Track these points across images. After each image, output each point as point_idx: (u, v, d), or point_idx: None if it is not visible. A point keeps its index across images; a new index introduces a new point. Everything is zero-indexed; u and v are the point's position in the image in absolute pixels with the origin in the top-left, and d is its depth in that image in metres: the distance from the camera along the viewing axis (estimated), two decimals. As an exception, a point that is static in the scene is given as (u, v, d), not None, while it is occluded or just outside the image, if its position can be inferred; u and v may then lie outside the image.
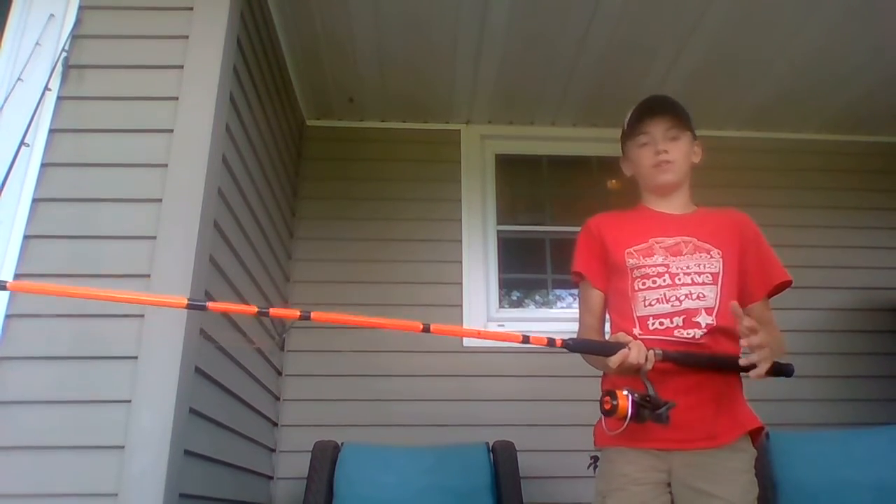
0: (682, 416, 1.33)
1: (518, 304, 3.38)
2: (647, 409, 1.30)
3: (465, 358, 2.94)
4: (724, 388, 1.49)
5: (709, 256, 1.56)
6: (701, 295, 1.51)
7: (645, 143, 1.66)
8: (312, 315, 1.23)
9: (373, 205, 3.27)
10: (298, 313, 1.23)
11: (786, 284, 1.59)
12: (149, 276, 1.72)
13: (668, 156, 1.62)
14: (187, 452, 1.71)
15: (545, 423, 2.83)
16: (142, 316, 1.68)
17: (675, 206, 1.67)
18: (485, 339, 1.29)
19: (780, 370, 1.47)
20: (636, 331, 1.53)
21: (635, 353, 1.34)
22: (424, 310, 3.07)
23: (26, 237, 1.75)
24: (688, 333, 1.50)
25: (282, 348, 1.16)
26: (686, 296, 1.51)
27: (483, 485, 2.48)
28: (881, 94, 3.19)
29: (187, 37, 1.97)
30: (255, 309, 1.20)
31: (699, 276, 1.53)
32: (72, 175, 1.84)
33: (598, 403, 1.37)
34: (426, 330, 1.26)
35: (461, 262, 3.17)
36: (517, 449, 2.54)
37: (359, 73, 3.04)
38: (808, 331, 3.16)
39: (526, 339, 1.27)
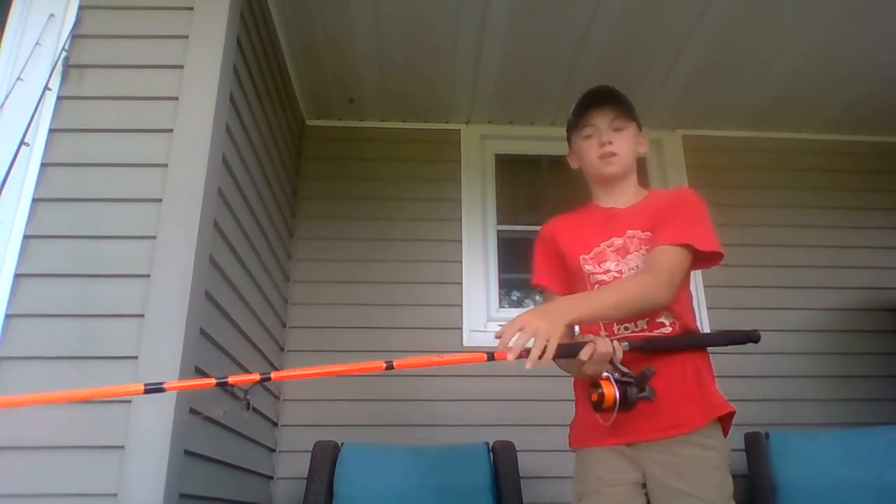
0: (648, 406, 1.31)
1: (518, 304, 3.37)
2: (633, 385, 1.27)
3: (465, 358, 2.94)
4: (691, 373, 1.46)
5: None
6: None
7: (590, 134, 1.63)
8: (273, 375, 1.21)
9: (373, 204, 3.27)
10: (258, 376, 1.20)
11: (694, 250, 1.46)
12: (149, 276, 1.72)
13: (612, 147, 1.59)
14: (187, 452, 1.71)
15: (545, 423, 2.82)
16: (142, 316, 1.68)
17: (623, 198, 1.64)
18: (448, 364, 1.24)
19: (746, 337, 1.44)
20: (602, 334, 1.51)
21: (602, 343, 1.32)
22: (425, 310, 3.07)
23: (26, 237, 1.75)
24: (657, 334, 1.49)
25: (248, 409, 1.15)
26: None
27: (483, 485, 2.48)
28: (881, 94, 3.19)
29: (187, 37, 1.97)
30: (213, 381, 1.18)
31: None
32: (72, 175, 1.84)
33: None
34: (389, 367, 1.21)
35: (461, 261, 3.17)
36: (517, 449, 2.54)
37: (359, 73, 3.04)
38: (808, 331, 3.17)
39: (491, 357, 1.21)
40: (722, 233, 3.64)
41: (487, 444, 2.60)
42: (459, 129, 3.45)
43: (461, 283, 3.12)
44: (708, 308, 3.14)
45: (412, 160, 3.37)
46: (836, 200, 3.42)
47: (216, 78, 1.93)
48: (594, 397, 1.29)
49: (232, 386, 1.22)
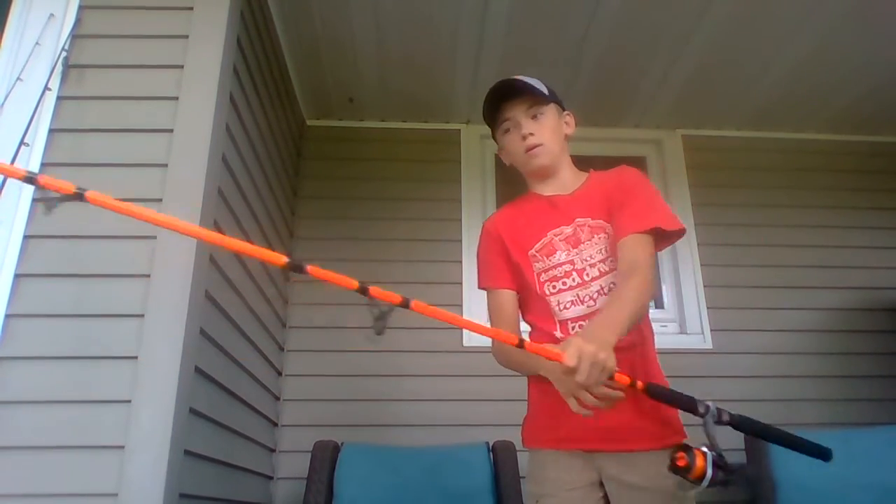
0: (610, 419, 1.27)
1: (518, 303, 3.38)
2: (722, 470, 1.16)
3: (465, 358, 2.94)
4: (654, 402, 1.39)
5: (606, 236, 1.49)
6: (612, 285, 1.45)
7: (509, 129, 1.57)
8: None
9: (373, 205, 3.27)
10: (400, 298, 1.14)
11: (661, 231, 1.41)
12: (149, 275, 1.72)
13: (534, 138, 1.53)
14: (187, 452, 1.71)
15: (545, 423, 2.83)
16: (142, 316, 1.68)
17: (562, 184, 1.58)
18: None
19: (817, 452, 1.29)
20: (557, 333, 1.48)
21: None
22: (425, 310, 3.06)
23: (26, 237, 1.74)
24: None
25: (379, 332, 1.05)
26: (598, 292, 1.46)
27: (483, 485, 2.48)
28: (882, 93, 3.19)
29: (187, 37, 1.97)
30: (356, 284, 1.08)
31: (604, 263, 1.47)
32: (72, 175, 1.80)
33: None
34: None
35: (461, 261, 3.17)
36: (517, 449, 2.54)
37: (359, 72, 3.04)
38: (808, 331, 3.17)
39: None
40: (722, 233, 3.65)
41: (487, 444, 2.60)
42: (459, 129, 3.44)
43: (461, 283, 3.12)
44: (708, 308, 3.14)
45: (412, 160, 3.37)
46: (836, 200, 3.42)
47: (216, 78, 1.93)
48: (681, 462, 1.16)
49: (371, 298, 1.11)
